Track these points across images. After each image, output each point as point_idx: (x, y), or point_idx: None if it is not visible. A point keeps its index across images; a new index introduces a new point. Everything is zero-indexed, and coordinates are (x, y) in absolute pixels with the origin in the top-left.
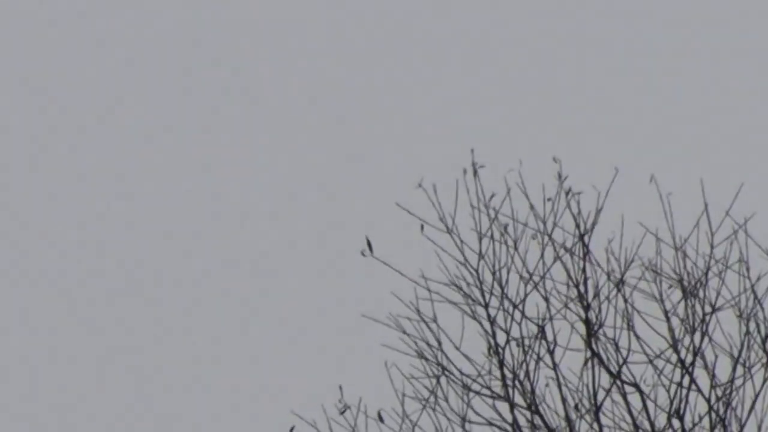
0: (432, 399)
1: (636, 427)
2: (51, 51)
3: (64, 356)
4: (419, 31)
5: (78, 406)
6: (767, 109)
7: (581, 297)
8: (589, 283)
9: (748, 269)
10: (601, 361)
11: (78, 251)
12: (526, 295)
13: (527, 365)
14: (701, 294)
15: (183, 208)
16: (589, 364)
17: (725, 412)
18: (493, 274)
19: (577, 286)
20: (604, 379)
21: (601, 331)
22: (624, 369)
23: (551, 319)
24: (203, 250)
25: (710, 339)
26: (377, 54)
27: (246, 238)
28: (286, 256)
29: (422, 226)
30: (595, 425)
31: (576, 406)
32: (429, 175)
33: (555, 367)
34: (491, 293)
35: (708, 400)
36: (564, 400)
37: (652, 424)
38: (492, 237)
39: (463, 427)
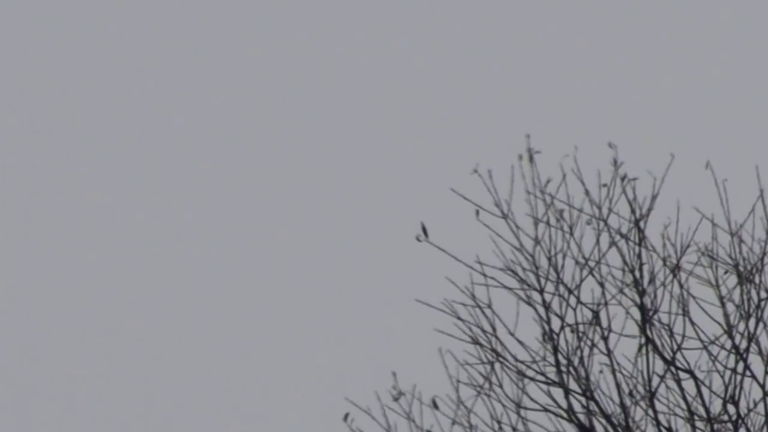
0: (486, 385)
1: (691, 413)
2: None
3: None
4: (474, 18)
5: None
6: None
7: (636, 282)
8: (645, 268)
9: None
10: (655, 347)
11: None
12: (581, 281)
13: (581, 351)
14: (757, 279)
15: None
16: (644, 350)
17: None
18: (549, 259)
19: (632, 271)
20: (659, 366)
21: (655, 317)
22: (678, 355)
23: (606, 304)
24: (261, 236)
25: (765, 325)
26: (434, 41)
27: (304, 223)
28: (342, 242)
29: (477, 212)
30: (650, 411)
31: (630, 393)
32: (484, 160)
33: (609, 353)
34: (547, 278)
35: (762, 386)
36: (618, 387)
37: (707, 410)
38: (548, 222)
39: (518, 413)
